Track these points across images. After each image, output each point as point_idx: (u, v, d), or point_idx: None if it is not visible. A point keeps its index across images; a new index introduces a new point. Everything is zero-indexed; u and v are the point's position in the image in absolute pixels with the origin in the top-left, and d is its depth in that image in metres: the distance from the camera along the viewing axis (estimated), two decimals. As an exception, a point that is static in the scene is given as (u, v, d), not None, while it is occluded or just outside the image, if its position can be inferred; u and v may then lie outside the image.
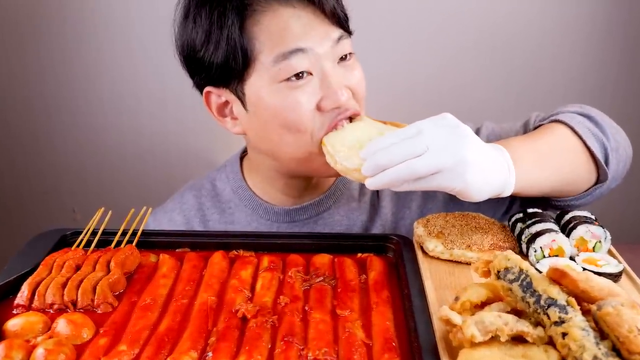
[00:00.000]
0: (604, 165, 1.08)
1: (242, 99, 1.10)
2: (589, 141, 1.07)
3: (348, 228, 1.25)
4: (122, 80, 2.56)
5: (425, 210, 1.24)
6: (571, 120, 1.10)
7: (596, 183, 1.10)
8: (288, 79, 1.04)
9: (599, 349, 0.63)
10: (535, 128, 1.16)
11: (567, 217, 1.01)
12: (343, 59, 1.09)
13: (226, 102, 1.13)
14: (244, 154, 1.32)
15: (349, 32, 1.12)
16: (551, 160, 1.05)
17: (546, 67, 2.53)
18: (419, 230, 1.02)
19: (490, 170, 0.91)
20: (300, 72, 1.04)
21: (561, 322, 0.66)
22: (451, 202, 1.23)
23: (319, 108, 1.06)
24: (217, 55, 1.06)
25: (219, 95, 1.13)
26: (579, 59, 2.53)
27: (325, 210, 1.25)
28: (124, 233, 1.04)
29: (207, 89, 1.13)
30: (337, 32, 1.08)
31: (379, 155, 0.91)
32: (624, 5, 2.46)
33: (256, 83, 1.06)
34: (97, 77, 2.56)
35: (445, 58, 2.50)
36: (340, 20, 1.08)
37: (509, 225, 1.05)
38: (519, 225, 1.02)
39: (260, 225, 1.25)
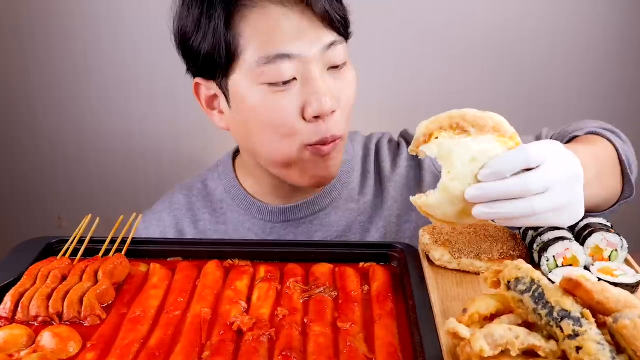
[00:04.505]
0: (633, 184, 1.08)
1: (226, 94, 1.12)
2: (627, 164, 1.08)
3: (346, 229, 1.25)
4: (111, 80, 2.56)
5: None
6: (611, 136, 1.11)
7: (619, 197, 1.11)
8: (271, 84, 1.06)
9: (616, 364, 0.63)
10: (572, 138, 1.14)
11: (581, 224, 1.01)
12: (334, 67, 1.09)
13: (215, 95, 1.16)
14: (236, 153, 1.33)
15: (345, 37, 1.11)
16: (603, 176, 1.04)
17: (557, 69, 2.54)
18: (424, 238, 1.02)
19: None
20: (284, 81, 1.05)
21: (575, 335, 0.66)
22: None
23: (303, 116, 1.07)
24: (203, 46, 1.08)
25: (208, 87, 1.15)
26: (591, 62, 2.53)
27: (322, 209, 1.26)
28: (113, 241, 1.04)
29: (196, 80, 1.16)
30: (329, 36, 1.07)
31: (494, 186, 0.81)
32: (640, 3, 2.46)
33: (239, 81, 1.08)
34: (86, 76, 2.56)
35: (452, 60, 2.51)
36: (334, 23, 1.07)
37: (519, 233, 1.05)
38: (531, 233, 1.01)
39: (253, 225, 1.26)
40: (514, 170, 0.82)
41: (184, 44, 1.13)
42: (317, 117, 1.07)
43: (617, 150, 1.09)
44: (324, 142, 1.09)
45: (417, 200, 0.87)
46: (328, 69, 1.09)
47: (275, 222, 1.26)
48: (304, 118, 1.08)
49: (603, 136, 1.10)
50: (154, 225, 1.31)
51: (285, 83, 1.06)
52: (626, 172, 1.08)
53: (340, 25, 1.09)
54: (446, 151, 0.84)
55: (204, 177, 1.35)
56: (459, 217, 0.87)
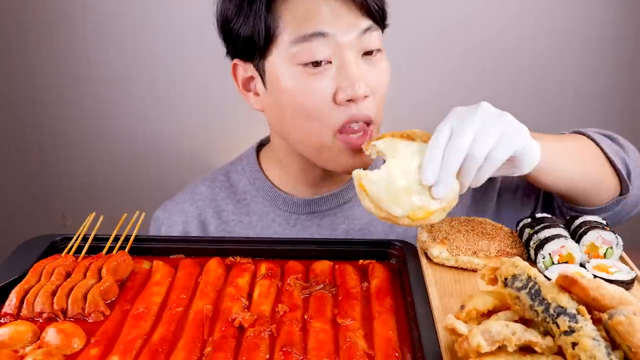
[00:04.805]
0: (625, 177, 1.11)
1: (262, 76, 1.13)
2: (610, 153, 1.11)
3: (369, 223, 1.25)
4: (114, 81, 2.57)
5: (449, 214, 1.25)
6: (593, 135, 1.14)
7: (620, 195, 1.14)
8: (305, 64, 1.06)
9: (611, 359, 0.63)
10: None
11: (577, 222, 1.01)
12: (369, 54, 1.09)
13: (251, 77, 1.17)
14: (260, 147, 1.34)
15: (380, 26, 1.12)
16: (574, 154, 1.08)
17: (555, 67, 2.54)
18: (422, 236, 1.03)
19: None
20: (318, 61, 1.06)
21: (571, 331, 0.66)
22: (474, 207, 1.25)
23: (334, 100, 1.07)
24: (243, 29, 1.10)
25: (245, 69, 1.17)
26: (588, 61, 2.53)
27: (346, 202, 1.26)
28: (116, 239, 1.04)
29: (234, 61, 1.17)
30: (365, 22, 1.08)
31: (444, 173, 0.89)
32: (634, 3, 2.46)
33: (276, 62, 1.09)
34: (89, 76, 2.56)
35: (450, 61, 2.51)
36: (371, 10, 1.08)
37: (516, 230, 1.05)
38: (527, 230, 1.02)
39: (277, 216, 1.26)
40: (442, 148, 0.89)
41: (225, 26, 1.14)
42: (349, 101, 1.07)
43: (598, 145, 1.12)
44: (355, 120, 1.08)
45: (360, 171, 0.91)
46: (363, 54, 1.09)
47: (300, 214, 1.26)
48: (335, 102, 1.08)
49: (586, 135, 1.14)
50: (176, 214, 1.30)
51: (319, 65, 1.06)
52: (616, 169, 1.11)
53: (377, 14, 1.10)
54: (391, 145, 0.95)
55: (226, 170, 1.35)
56: (387, 201, 0.89)
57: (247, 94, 1.20)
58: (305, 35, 1.06)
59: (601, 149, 1.12)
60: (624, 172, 1.11)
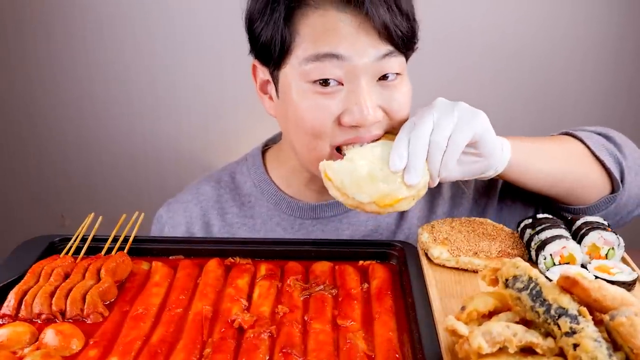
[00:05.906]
0: (616, 176, 1.11)
1: (276, 84, 1.13)
2: (598, 152, 1.12)
3: (373, 230, 1.25)
4: (113, 81, 2.57)
5: (448, 214, 1.25)
6: (582, 134, 1.15)
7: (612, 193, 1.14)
8: (315, 82, 1.04)
9: (612, 360, 0.63)
10: None
11: (578, 222, 1.01)
12: (385, 77, 1.06)
13: (268, 81, 1.17)
14: (265, 147, 1.33)
15: (402, 50, 1.08)
16: (552, 152, 1.10)
17: (557, 73, 2.54)
18: (423, 236, 1.03)
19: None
20: (327, 79, 1.04)
21: (572, 332, 0.66)
22: (475, 208, 1.24)
23: (339, 121, 1.05)
24: (263, 34, 1.09)
25: (263, 72, 1.16)
26: (590, 68, 2.53)
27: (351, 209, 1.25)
28: (115, 239, 1.04)
29: (254, 61, 1.17)
30: (385, 47, 1.04)
31: (412, 159, 0.94)
32: (636, 10, 2.46)
33: (288, 74, 1.08)
34: (87, 77, 2.56)
35: (451, 65, 2.50)
36: (391, 36, 1.04)
37: (517, 231, 1.05)
38: (528, 231, 1.02)
39: (282, 220, 1.25)
40: (407, 137, 0.95)
41: (250, 26, 1.14)
42: (354, 127, 1.05)
43: (585, 144, 1.12)
44: (360, 142, 1.07)
45: (325, 162, 0.97)
46: (378, 79, 1.06)
47: (304, 219, 1.25)
48: (339, 124, 1.06)
49: (573, 135, 1.15)
50: (179, 214, 1.30)
51: (328, 84, 1.04)
52: (604, 164, 1.11)
53: (399, 40, 1.06)
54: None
55: (231, 170, 1.34)
56: (352, 188, 0.94)
57: (263, 96, 1.19)
58: (318, 54, 1.03)
59: (587, 146, 1.13)
60: (613, 169, 1.12)
